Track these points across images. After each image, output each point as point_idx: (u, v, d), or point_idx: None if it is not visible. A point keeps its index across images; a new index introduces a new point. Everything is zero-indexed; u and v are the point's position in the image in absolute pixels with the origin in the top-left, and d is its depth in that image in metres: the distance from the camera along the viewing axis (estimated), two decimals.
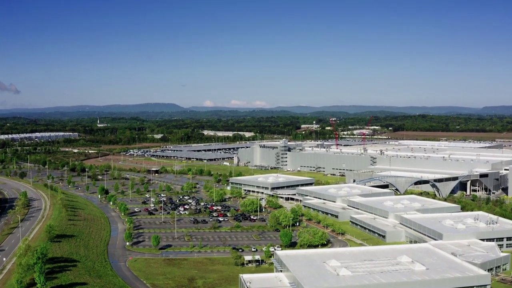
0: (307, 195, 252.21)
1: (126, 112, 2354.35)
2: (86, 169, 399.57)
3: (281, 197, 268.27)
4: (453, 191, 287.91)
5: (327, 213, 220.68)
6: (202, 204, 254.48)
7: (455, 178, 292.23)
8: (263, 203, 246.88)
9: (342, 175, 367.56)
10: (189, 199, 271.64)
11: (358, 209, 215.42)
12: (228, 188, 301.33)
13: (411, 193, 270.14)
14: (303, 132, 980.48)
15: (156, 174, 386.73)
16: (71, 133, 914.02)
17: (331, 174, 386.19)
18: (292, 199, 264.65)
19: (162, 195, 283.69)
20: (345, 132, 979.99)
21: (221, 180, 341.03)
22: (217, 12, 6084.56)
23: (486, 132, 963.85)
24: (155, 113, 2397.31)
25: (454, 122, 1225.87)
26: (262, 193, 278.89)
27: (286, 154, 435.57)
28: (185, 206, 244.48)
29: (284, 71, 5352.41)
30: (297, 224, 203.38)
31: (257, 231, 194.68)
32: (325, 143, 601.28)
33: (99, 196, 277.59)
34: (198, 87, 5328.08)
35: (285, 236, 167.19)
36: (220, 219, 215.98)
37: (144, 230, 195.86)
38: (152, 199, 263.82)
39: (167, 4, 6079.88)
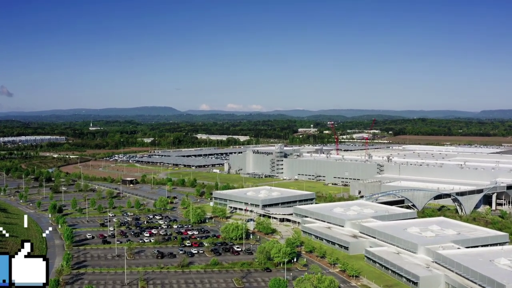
0: (307, 216, 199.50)
1: (122, 116, 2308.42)
2: (53, 179, 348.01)
3: (275, 218, 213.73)
4: (476, 206, 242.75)
5: (333, 243, 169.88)
6: (175, 227, 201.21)
7: (479, 191, 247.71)
8: (252, 226, 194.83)
9: (345, 185, 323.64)
10: (160, 219, 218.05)
11: (374, 237, 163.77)
12: (211, 204, 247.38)
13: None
14: (301, 136, 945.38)
15: (131, 185, 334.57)
16: (58, 137, 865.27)
17: (332, 184, 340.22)
18: (289, 220, 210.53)
19: (129, 213, 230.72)
20: (344, 136, 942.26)
21: (205, 193, 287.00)
22: (213, 15, 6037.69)
23: (490, 136, 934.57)
24: (151, 117, 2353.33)
25: (455, 126, 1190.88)
26: (251, 211, 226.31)
27: (282, 160, 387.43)
28: (153, 230, 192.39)
29: (281, 74, 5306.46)
30: (294, 260, 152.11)
31: (240, 271, 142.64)
32: (324, 147, 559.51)
33: (50, 216, 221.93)
34: (195, 90, 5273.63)
35: None
36: (194, 250, 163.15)
37: (87, 270, 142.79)
38: (114, 220, 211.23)
39: (163, 7, 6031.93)
